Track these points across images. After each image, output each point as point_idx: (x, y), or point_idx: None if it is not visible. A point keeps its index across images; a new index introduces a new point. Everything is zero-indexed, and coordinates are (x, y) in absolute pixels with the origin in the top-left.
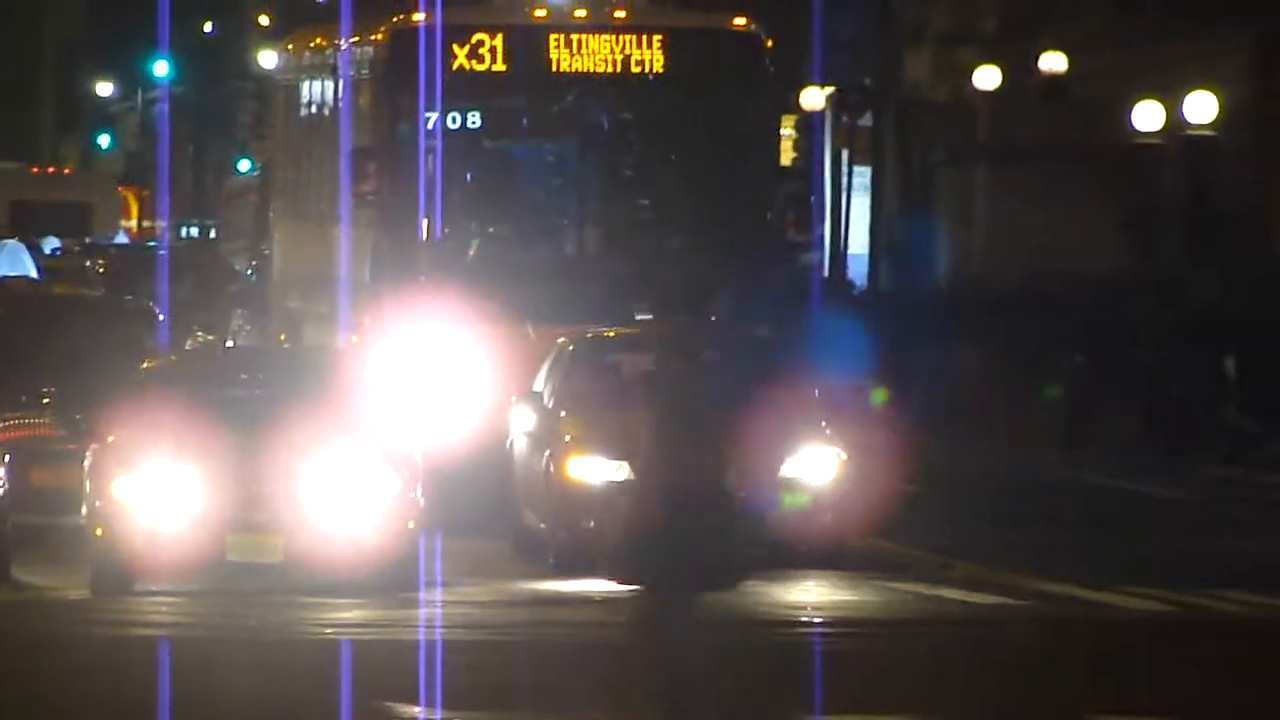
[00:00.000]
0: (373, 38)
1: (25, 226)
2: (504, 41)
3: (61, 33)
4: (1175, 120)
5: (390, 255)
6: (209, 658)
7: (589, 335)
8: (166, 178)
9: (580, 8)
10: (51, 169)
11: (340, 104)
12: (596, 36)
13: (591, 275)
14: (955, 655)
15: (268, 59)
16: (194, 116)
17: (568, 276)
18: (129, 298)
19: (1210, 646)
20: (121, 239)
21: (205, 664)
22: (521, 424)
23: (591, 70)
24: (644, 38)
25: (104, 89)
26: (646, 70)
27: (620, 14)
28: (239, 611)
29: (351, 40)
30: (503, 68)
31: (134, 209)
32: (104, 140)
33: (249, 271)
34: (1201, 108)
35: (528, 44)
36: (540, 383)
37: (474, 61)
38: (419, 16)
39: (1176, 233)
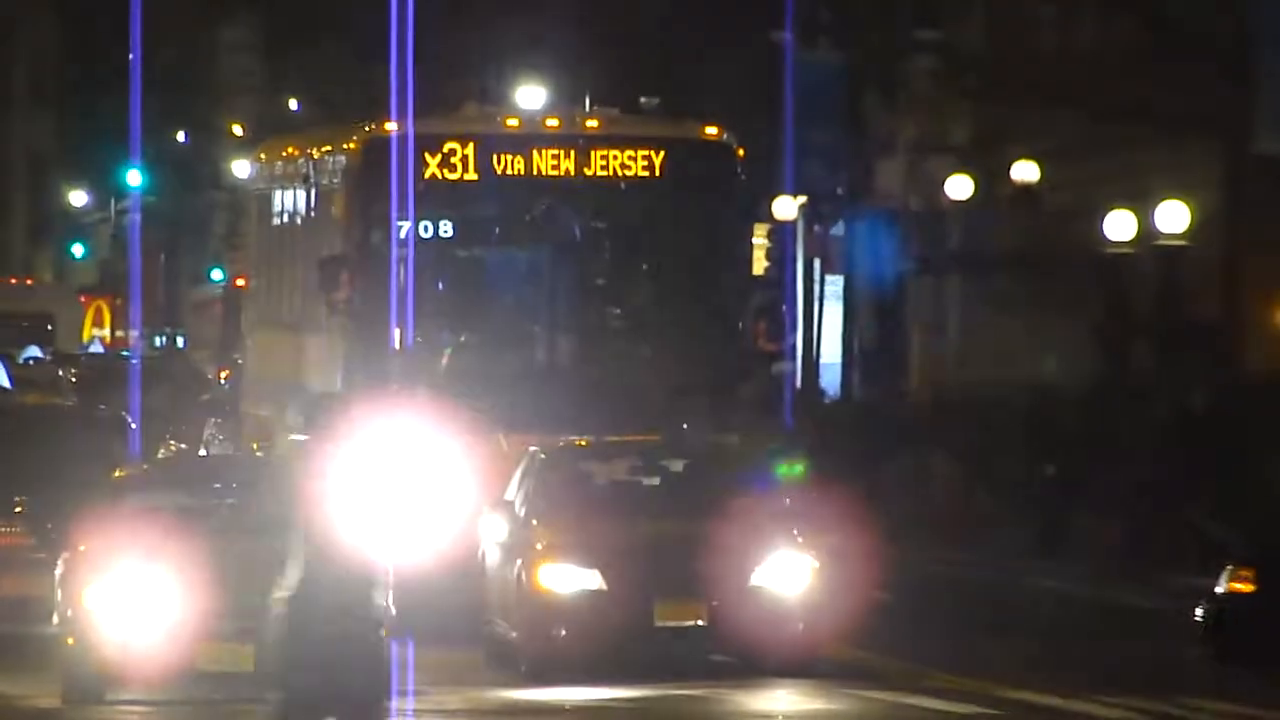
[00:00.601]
0: (345, 146)
1: None
2: (476, 150)
3: (33, 142)
4: (1147, 229)
5: (362, 363)
6: None
7: (560, 444)
8: (139, 286)
9: (552, 116)
10: (14, 280)
11: (312, 212)
12: (568, 145)
13: (563, 384)
14: None
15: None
16: (167, 226)
17: (539, 386)
18: (101, 407)
19: None
20: (96, 348)
21: None
22: (493, 533)
23: (564, 178)
24: (616, 146)
25: (77, 199)
26: (619, 179)
27: (592, 123)
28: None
29: (324, 149)
30: (475, 177)
31: (107, 318)
32: (78, 250)
33: (222, 380)
34: (1173, 217)
35: (500, 153)
36: (512, 491)
37: (446, 170)
38: (391, 125)
39: (1146, 342)
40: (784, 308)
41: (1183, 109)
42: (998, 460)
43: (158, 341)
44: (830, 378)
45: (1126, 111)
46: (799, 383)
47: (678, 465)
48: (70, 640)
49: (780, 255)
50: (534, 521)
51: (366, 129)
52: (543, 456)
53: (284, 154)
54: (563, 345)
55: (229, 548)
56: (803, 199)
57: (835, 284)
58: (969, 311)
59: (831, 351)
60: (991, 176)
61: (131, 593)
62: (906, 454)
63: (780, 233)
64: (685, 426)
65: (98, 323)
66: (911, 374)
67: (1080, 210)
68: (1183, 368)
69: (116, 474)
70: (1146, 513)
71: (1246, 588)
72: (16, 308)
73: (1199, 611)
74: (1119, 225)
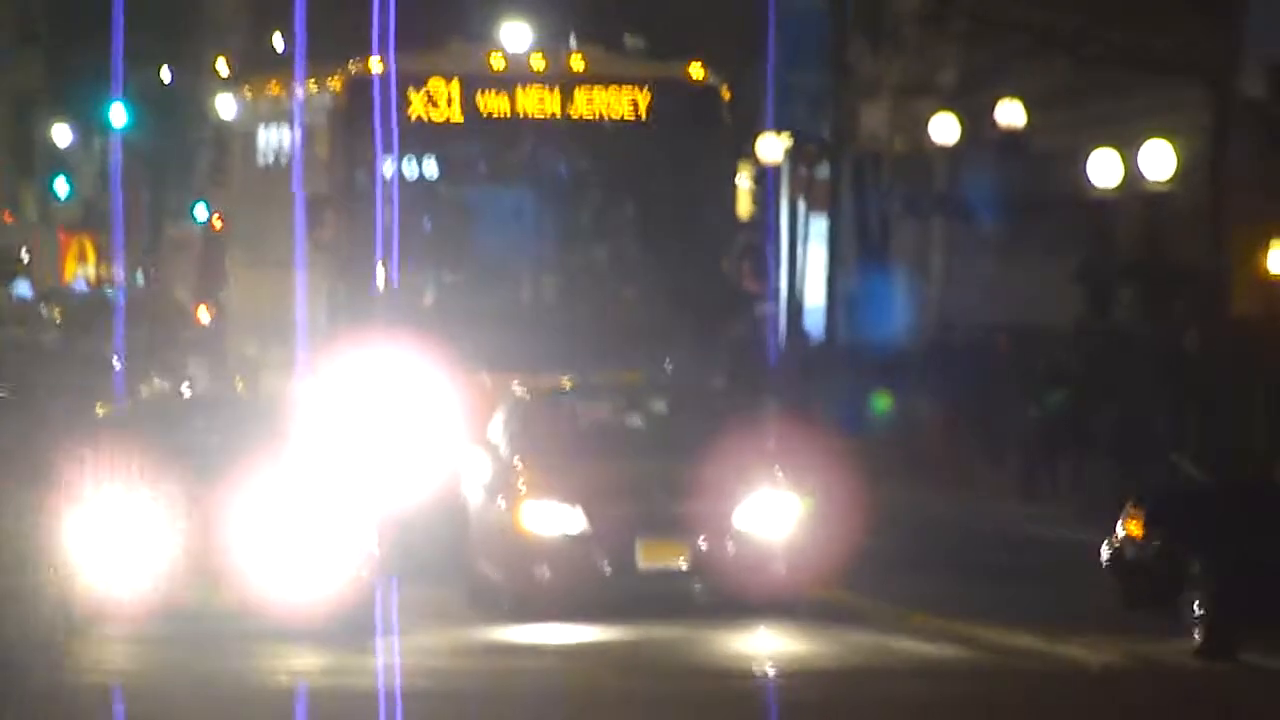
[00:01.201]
0: (330, 84)
1: None
2: (460, 89)
3: (19, 80)
4: (1132, 174)
5: (346, 302)
6: (163, 705)
7: (544, 384)
8: (121, 223)
9: (537, 55)
10: None
11: (297, 151)
12: (553, 85)
13: (547, 324)
14: (910, 706)
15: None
16: (151, 163)
17: (523, 325)
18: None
19: (1165, 697)
20: (80, 286)
21: (159, 711)
22: (477, 473)
23: (548, 118)
24: (601, 87)
25: (61, 136)
26: (603, 119)
27: (577, 62)
28: (191, 658)
29: (308, 87)
30: (459, 116)
31: (91, 255)
32: (61, 186)
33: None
34: (1158, 161)
35: (484, 92)
36: (495, 431)
37: (430, 109)
38: (375, 64)
39: (1130, 287)
40: (768, 248)
41: (1169, 52)
42: (982, 402)
43: (139, 279)
44: (814, 320)
45: (1113, 55)
46: (782, 325)
47: (661, 405)
48: (50, 576)
49: (764, 197)
50: (517, 461)
51: (350, 67)
52: (526, 396)
53: (269, 92)
54: (546, 284)
55: (209, 486)
56: (787, 140)
57: (819, 226)
58: (953, 254)
59: (815, 294)
60: (977, 119)
61: (111, 529)
62: (891, 396)
63: (764, 175)
64: (669, 366)
65: (81, 259)
66: (895, 317)
67: (1065, 153)
68: (1169, 311)
69: (100, 410)
70: (1130, 454)
71: (1136, 532)
72: None
73: (1102, 554)
74: (1104, 168)
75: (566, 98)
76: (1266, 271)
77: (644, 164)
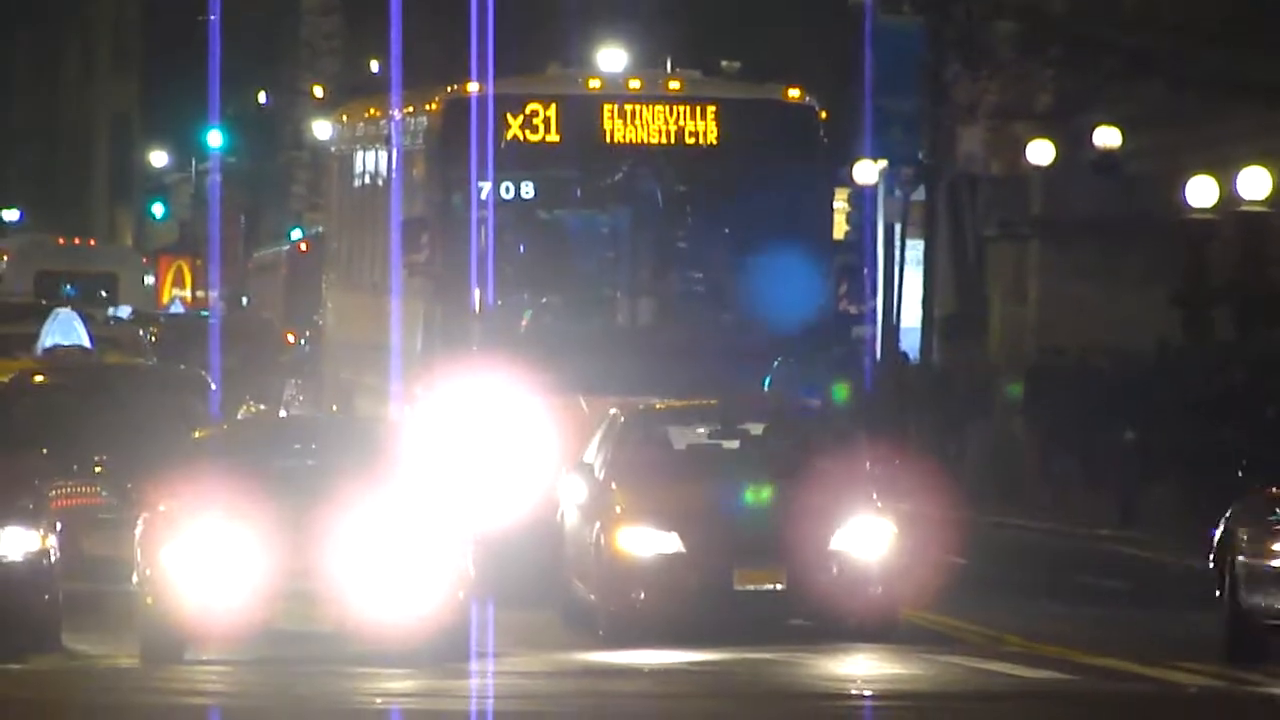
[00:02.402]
0: (427, 107)
1: (50, 296)
2: (558, 112)
3: (116, 104)
4: (1228, 196)
5: (442, 325)
6: None
7: (640, 407)
8: (218, 247)
9: (634, 78)
10: (77, 240)
11: (393, 174)
12: (651, 107)
13: (644, 347)
14: None
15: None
16: (247, 186)
17: (620, 348)
18: (181, 367)
19: None
20: (177, 308)
21: None
22: (572, 495)
23: (646, 141)
24: (699, 108)
25: (158, 159)
26: (701, 141)
27: (675, 84)
28: (289, 681)
29: (405, 110)
30: (556, 138)
31: (188, 279)
32: (158, 209)
33: (302, 342)
34: (1255, 183)
35: (582, 114)
36: (591, 454)
37: (528, 132)
38: (473, 86)
39: (1228, 309)
40: (865, 270)
41: (1266, 76)
42: (1078, 426)
43: (244, 301)
44: (910, 342)
45: (1210, 78)
46: (878, 348)
47: (757, 428)
48: (149, 599)
49: (860, 220)
50: (613, 484)
51: (448, 90)
52: (622, 419)
53: (366, 115)
54: (643, 308)
55: (308, 508)
56: (883, 163)
57: (915, 249)
58: (1049, 277)
59: (911, 316)
60: (1073, 142)
61: (209, 552)
62: (987, 420)
63: (860, 198)
64: (767, 389)
65: (178, 283)
66: (991, 340)
67: (1162, 177)
68: (1263, 336)
69: (197, 434)
70: (1226, 480)
71: None
72: (80, 268)
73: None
74: (1200, 191)
75: (664, 119)
76: None
77: (742, 186)
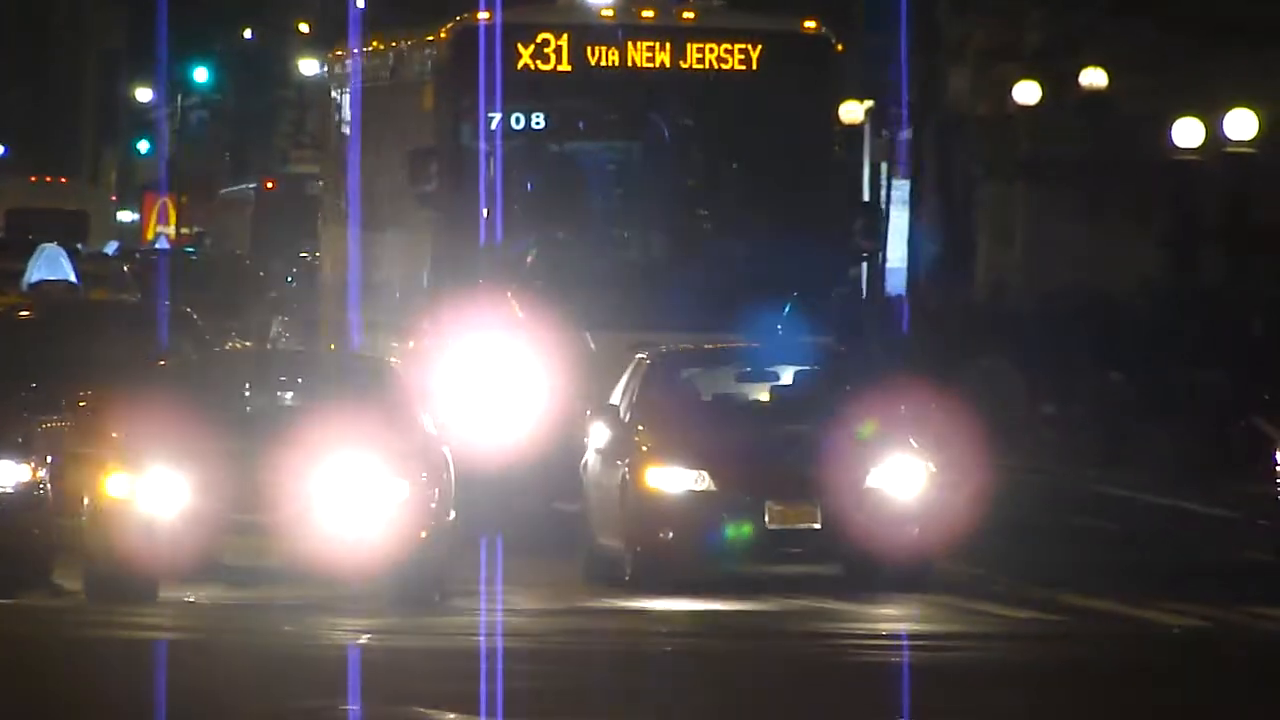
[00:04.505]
0: (435, 37)
1: (19, 233)
2: (569, 41)
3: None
4: (1215, 137)
5: (449, 259)
6: (210, 662)
7: (666, 348)
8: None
9: (648, 8)
10: (49, 178)
11: (400, 106)
12: (664, 37)
13: (654, 283)
14: (986, 671)
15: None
16: (233, 124)
17: (630, 284)
18: (167, 304)
19: (1251, 663)
20: (162, 245)
21: (205, 668)
22: (595, 439)
23: (659, 70)
24: (713, 39)
25: (143, 95)
26: (715, 72)
27: (689, 14)
28: (236, 615)
29: (411, 41)
30: (567, 68)
31: (172, 215)
32: (143, 146)
33: (289, 279)
34: (1241, 125)
35: (593, 44)
36: (617, 397)
37: (538, 61)
38: (482, 15)
39: (1216, 249)
40: (880, 208)
41: (1253, 17)
42: (1064, 367)
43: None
44: (895, 283)
45: (1196, 19)
46: (864, 288)
47: (788, 368)
48: (92, 533)
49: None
50: (640, 425)
51: (458, 18)
52: (649, 361)
53: (368, 48)
54: (654, 243)
55: (262, 442)
56: (870, 103)
57: (901, 189)
58: (1036, 218)
59: (897, 257)
60: (1060, 83)
61: (158, 483)
62: (973, 361)
63: (847, 137)
64: (779, 328)
65: (163, 219)
66: (978, 281)
67: (1149, 118)
68: (1252, 275)
69: (157, 364)
70: (1212, 419)
71: None
72: (49, 206)
73: None
74: (1187, 132)
75: (679, 50)
76: None
77: (757, 118)
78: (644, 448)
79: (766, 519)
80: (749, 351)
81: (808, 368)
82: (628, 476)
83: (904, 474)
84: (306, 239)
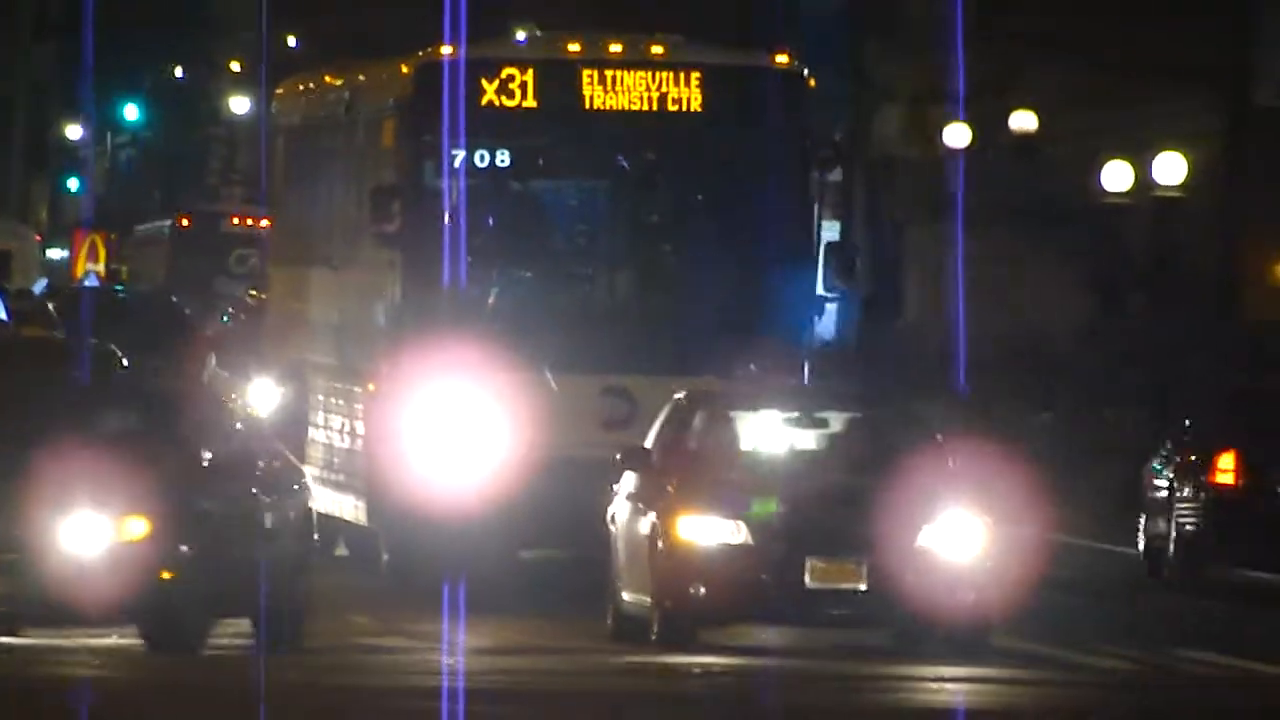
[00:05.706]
0: (397, 72)
1: None
2: (535, 77)
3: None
4: (1144, 180)
5: (410, 299)
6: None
7: (705, 390)
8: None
9: (615, 42)
10: None
11: (357, 143)
12: (632, 72)
13: (621, 323)
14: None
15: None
16: (163, 161)
17: (595, 324)
18: (92, 341)
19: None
20: (91, 282)
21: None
22: (623, 487)
23: (626, 108)
24: (682, 74)
25: (73, 132)
26: (684, 108)
27: (657, 49)
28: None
29: (370, 76)
30: (533, 104)
31: (101, 253)
32: (73, 184)
33: (223, 318)
34: (1170, 169)
35: (560, 80)
36: (650, 440)
37: (503, 97)
38: (446, 50)
39: (1141, 294)
40: (851, 246)
41: (1182, 60)
42: (996, 407)
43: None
44: (825, 324)
45: (1126, 62)
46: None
47: (834, 415)
48: (20, 563)
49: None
50: (673, 471)
51: (420, 54)
52: (685, 402)
53: (320, 84)
54: (621, 282)
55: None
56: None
57: (831, 231)
58: (965, 260)
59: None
60: (990, 126)
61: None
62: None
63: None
64: (753, 367)
65: (92, 257)
66: (908, 322)
67: (1078, 161)
68: (1178, 321)
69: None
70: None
71: None
72: None
73: None
74: (1116, 176)
75: (646, 86)
76: (1277, 278)
77: (726, 155)
78: (675, 496)
79: (807, 577)
80: (796, 394)
81: (859, 415)
82: (658, 526)
83: (960, 532)
84: (221, 276)
